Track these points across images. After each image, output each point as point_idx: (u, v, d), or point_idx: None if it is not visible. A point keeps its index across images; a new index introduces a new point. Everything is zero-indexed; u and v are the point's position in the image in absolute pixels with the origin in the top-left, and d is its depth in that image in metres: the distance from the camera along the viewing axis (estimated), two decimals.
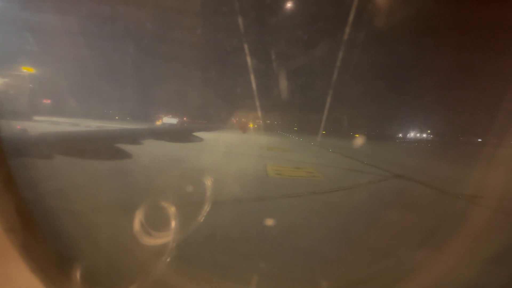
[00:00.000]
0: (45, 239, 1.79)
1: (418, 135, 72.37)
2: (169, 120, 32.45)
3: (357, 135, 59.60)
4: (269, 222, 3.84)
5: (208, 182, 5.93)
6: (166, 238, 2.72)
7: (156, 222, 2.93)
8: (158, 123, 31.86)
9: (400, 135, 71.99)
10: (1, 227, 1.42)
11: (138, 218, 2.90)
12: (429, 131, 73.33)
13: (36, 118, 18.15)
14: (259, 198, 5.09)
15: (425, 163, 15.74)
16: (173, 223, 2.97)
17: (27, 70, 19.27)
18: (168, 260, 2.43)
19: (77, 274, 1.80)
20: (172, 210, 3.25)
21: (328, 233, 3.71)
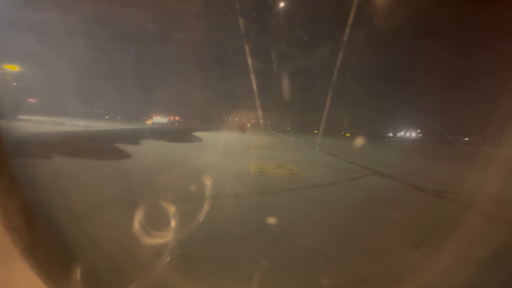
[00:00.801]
0: (47, 239, 1.81)
1: (408, 134, 74.06)
2: (159, 119, 32.29)
3: (348, 134, 60.54)
4: (240, 217, 4.00)
5: (188, 180, 6.06)
6: (153, 236, 2.81)
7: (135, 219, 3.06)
8: (148, 122, 31.68)
9: (391, 134, 73.47)
10: (3, 226, 1.44)
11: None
12: (419, 130, 75.11)
13: (21, 117, 17.85)
14: (235, 195, 5.24)
15: (407, 161, 16.22)
16: (153, 221, 3.09)
17: (11, 68, 18.87)
18: (167, 259, 2.50)
19: (79, 274, 1.81)
20: (148, 207, 3.37)
21: (296, 227, 3.89)
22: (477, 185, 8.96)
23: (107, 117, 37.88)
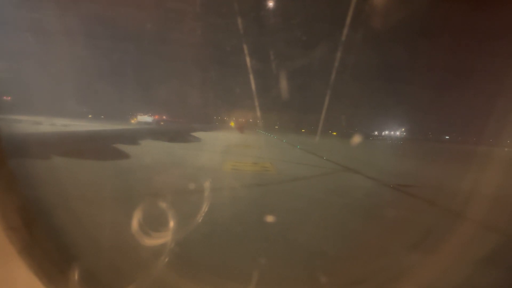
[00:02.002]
0: (45, 238, 1.83)
1: (392, 133, 76.50)
2: (144, 118, 31.94)
3: (334, 133, 61.84)
4: (203, 210, 4.29)
5: (162, 176, 6.32)
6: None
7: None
8: (133, 121, 31.32)
9: (376, 133, 75.55)
10: (1, 226, 1.44)
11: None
12: (403, 129, 77.72)
13: None
14: (202, 190, 5.54)
15: (379, 157, 17.02)
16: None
17: None
18: (166, 260, 2.52)
19: (77, 273, 1.82)
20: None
21: (259, 218, 4.16)
22: (434, 178, 9.68)
23: (90, 116, 37.12)
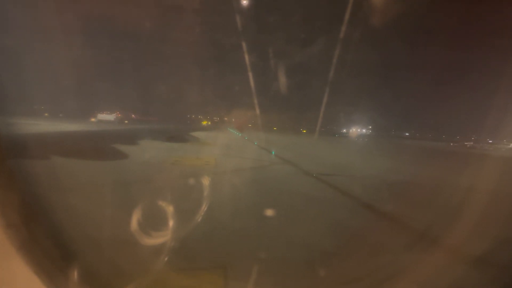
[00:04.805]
0: (44, 236, 1.86)
1: (359, 130, 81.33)
2: (104, 116, 30.59)
3: (304, 131, 64.32)
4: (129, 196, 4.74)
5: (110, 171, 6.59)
6: None
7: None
8: (93, 120, 29.89)
9: (344, 130, 79.75)
10: (1, 223, 1.46)
11: None
12: (370, 127, 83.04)
13: None
14: (126, 182, 5.92)
15: (328, 152, 18.42)
16: None
17: None
18: (166, 259, 2.62)
19: (76, 270, 1.84)
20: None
21: (180, 199, 4.69)
22: (360, 169, 10.91)
23: (46, 114, 34.58)
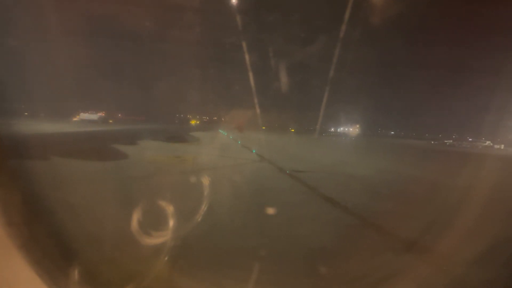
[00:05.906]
0: (45, 235, 1.88)
1: (346, 129, 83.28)
2: (87, 116, 30.01)
3: (292, 130, 65.11)
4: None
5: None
6: None
7: None
8: (75, 119, 29.29)
9: (332, 129, 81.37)
10: (2, 221, 1.48)
11: None
12: (357, 126, 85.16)
13: None
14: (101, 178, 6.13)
15: (310, 150, 19.00)
16: None
17: None
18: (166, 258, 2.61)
19: (76, 269, 1.85)
20: None
21: (153, 192, 5.00)
22: (331, 166, 11.44)
23: (26, 113, 33.44)
